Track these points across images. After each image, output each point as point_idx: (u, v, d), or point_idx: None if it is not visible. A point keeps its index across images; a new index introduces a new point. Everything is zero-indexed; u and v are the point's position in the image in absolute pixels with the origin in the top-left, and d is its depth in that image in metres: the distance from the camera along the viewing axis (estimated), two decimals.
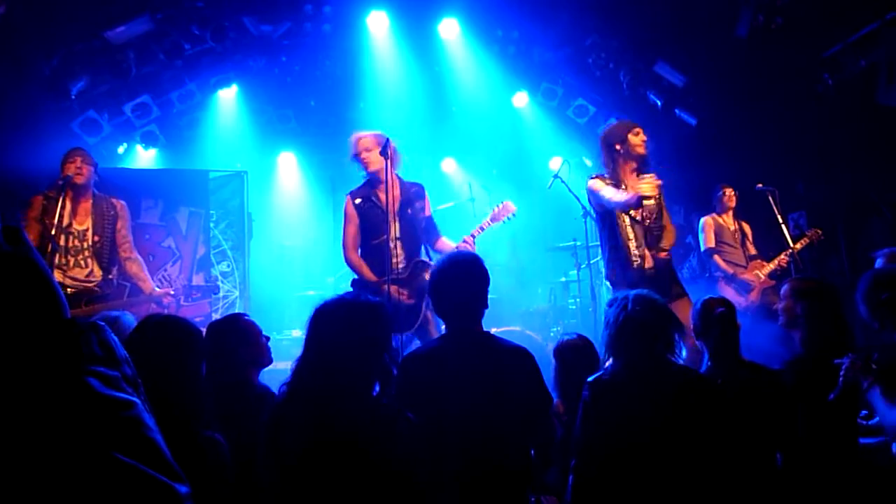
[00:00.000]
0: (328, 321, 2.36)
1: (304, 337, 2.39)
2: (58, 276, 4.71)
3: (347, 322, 2.33)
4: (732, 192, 6.87)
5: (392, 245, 4.69)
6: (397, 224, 4.72)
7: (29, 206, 4.97)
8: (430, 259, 4.86)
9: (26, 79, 6.30)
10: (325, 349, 2.31)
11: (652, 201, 4.76)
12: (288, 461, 2.20)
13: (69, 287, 4.83)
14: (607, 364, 2.72)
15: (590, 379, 2.68)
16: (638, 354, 2.65)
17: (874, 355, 2.91)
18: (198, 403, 2.29)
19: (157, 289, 5.31)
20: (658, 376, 2.64)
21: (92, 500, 0.88)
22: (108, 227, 5.09)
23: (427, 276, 4.56)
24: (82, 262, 4.96)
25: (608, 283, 4.87)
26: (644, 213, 4.74)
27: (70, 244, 4.92)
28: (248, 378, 3.11)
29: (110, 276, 5.08)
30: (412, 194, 4.90)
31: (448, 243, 4.94)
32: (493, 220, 4.88)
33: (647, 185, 4.41)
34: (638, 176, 4.69)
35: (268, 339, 3.23)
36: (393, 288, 4.51)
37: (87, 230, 5.02)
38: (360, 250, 4.88)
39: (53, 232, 4.70)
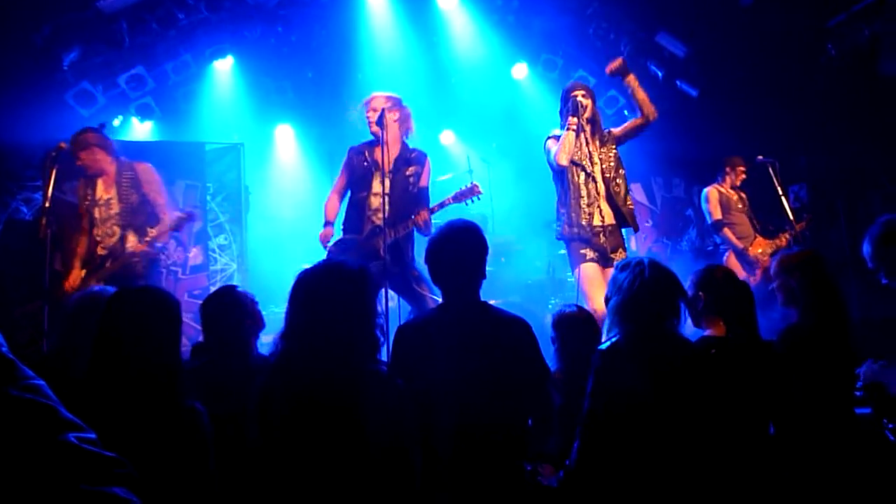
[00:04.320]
0: (311, 290, 2.34)
1: (287, 304, 2.37)
2: (99, 249, 5.01)
3: (329, 289, 2.32)
4: (744, 171, 6.71)
5: (381, 201, 4.75)
6: (388, 181, 4.74)
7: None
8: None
9: (17, 49, 6.22)
10: (309, 318, 2.30)
11: (609, 159, 4.83)
12: (278, 428, 2.20)
13: (102, 254, 5.08)
14: (613, 331, 2.68)
15: (601, 347, 2.65)
16: (649, 322, 2.62)
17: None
18: (175, 372, 2.28)
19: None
20: (664, 345, 2.62)
21: None
22: (131, 193, 5.20)
23: (379, 244, 4.67)
24: (110, 230, 5.12)
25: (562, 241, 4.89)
26: (602, 170, 4.79)
27: (101, 215, 5.15)
28: (250, 348, 3.17)
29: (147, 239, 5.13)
30: (410, 157, 4.97)
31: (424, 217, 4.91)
32: (455, 199, 4.81)
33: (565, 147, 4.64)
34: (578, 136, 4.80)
35: (256, 302, 3.25)
36: (326, 232, 4.94)
37: (111, 199, 5.18)
38: (347, 202, 5.07)
39: (89, 208, 5.01)
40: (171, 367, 2.27)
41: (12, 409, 1.05)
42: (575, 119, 4.73)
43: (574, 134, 4.72)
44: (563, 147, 4.68)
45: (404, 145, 5.01)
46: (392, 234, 4.71)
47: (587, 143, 4.83)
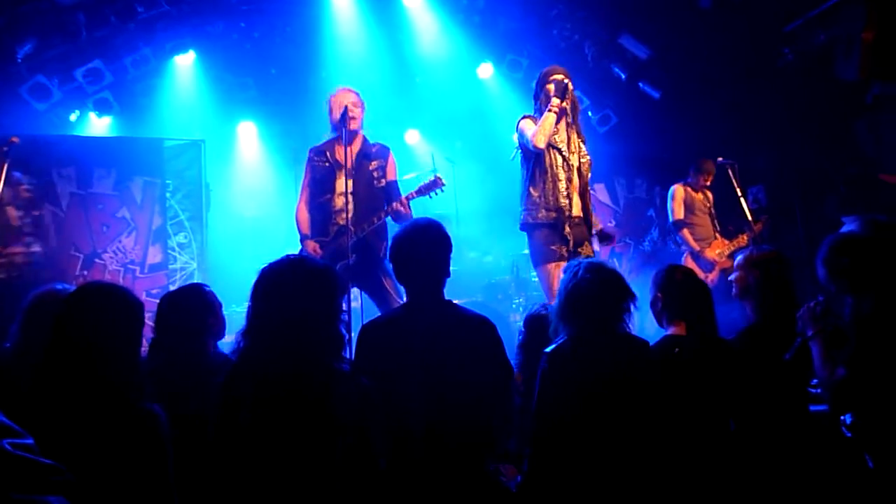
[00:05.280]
0: (274, 285, 2.30)
1: (249, 302, 2.33)
2: None
3: (293, 286, 2.28)
4: (711, 173, 6.73)
5: (344, 200, 4.65)
6: (351, 180, 4.63)
7: None
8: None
9: None
10: (273, 315, 2.26)
11: (585, 157, 4.73)
12: (241, 427, 2.16)
13: None
14: (560, 334, 2.70)
15: (547, 350, 2.67)
16: (587, 324, 2.65)
17: (819, 298, 2.96)
18: (134, 375, 2.21)
19: None
20: (611, 346, 2.64)
21: None
22: None
23: (345, 243, 4.59)
24: None
25: (525, 231, 4.69)
26: (579, 162, 4.65)
27: None
28: (209, 348, 3.11)
29: None
30: (372, 152, 4.90)
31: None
32: (418, 192, 4.72)
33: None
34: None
35: (220, 305, 3.21)
36: (312, 246, 4.67)
37: None
38: (310, 208, 4.90)
39: None
40: (130, 368, 2.20)
41: None
42: (558, 101, 4.51)
43: (556, 116, 4.49)
44: (543, 128, 4.43)
45: (365, 140, 4.93)
46: (359, 231, 4.64)
47: (567, 129, 4.65)
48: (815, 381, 3.50)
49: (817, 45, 6.61)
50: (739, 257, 3.56)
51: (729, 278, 3.61)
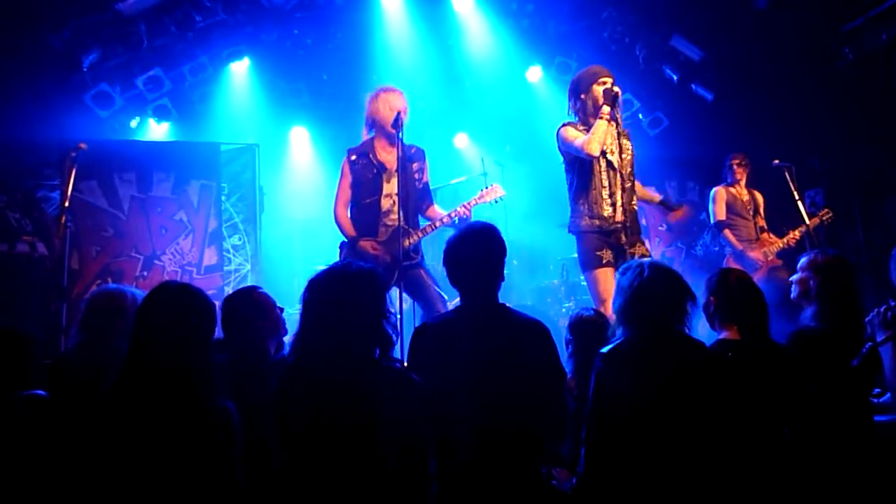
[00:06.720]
0: (321, 293, 2.39)
1: (300, 310, 2.42)
2: None
3: (340, 291, 2.37)
4: (739, 165, 6.57)
5: (391, 203, 4.79)
6: (396, 182, 4.71)
7: None
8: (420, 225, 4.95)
9: (38, 51, 6.31)
10: (322, 320, 2.34)
11: (628, 152, 4.66)
12: (295, 430, 2.23)
13: None
14: (618, 333, 2.69)
15: (603, 350, 2.66)
16: (650, 325, 2.63)
17: (891, 302, 2.87)
18: (208, 372, 2.30)
19: None
20: (670, 348, 2.62)
21: None
22: None
23: (406, 243, 4.69)
24: None
25: (573, 236, 4.71)
26: (621, 162, 4.59)
27: None
28: (265, 350, 3.17)
29: None
30: (412, 154, 5.00)
31: (438, 211, 5.04)
32: (479, 199, 4.90)
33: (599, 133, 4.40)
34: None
35: (282, 310, 3.26)
36: (370, 244, 4.75)
37: None
38: (350, 209, 4.98)
39: None
40: (205, 364, 2.30)
41: None
42: (609, 108, 4.47)
43: (607, 124, 4.45)
44: (597, 136, 4.40)
45: (401, 142, 4.98)
46: (422, 234, 4.81)
47: (616, 136, 4.58)
48: (877, 390, 3.41)
49: (879, 45, 6.42)
50: (803, 260, 3.49)
51: (789, 280, 3.54)
